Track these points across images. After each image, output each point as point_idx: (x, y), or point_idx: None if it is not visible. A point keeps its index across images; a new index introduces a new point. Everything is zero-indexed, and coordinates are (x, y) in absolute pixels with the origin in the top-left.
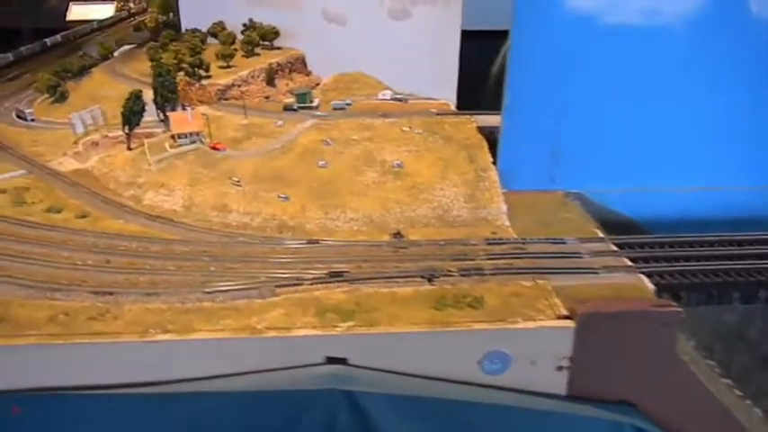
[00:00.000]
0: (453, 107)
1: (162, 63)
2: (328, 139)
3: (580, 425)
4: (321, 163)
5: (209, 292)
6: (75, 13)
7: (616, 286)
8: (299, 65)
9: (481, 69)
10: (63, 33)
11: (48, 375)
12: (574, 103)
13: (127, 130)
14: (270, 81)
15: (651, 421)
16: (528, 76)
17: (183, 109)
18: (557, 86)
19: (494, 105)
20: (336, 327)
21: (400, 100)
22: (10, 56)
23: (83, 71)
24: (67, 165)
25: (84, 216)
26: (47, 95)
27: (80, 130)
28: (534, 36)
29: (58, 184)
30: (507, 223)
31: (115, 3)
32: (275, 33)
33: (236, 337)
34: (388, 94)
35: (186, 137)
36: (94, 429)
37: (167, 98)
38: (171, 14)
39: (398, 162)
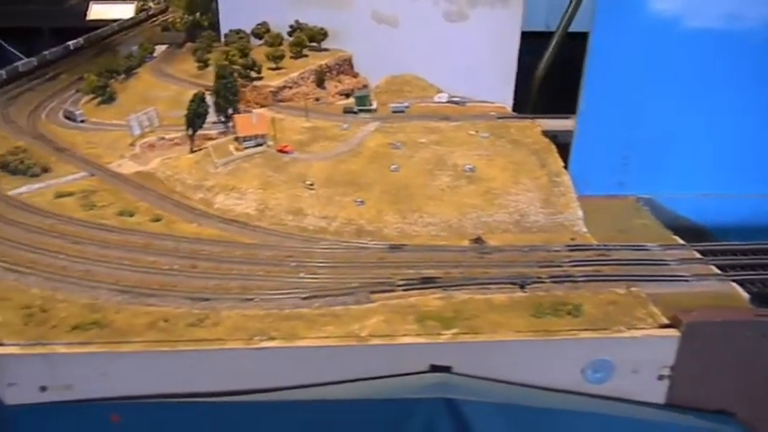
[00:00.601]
0: (510, 110)
1: (224, 65)
2: (397, 143)
3: None
4: (393, 167)
5: (305, 298)
6: (96, 12)
7: (711, 295)
8: (346, 66)
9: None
10: (92, 34)
11: (150, 383)
12: (647, 107)
13: (190, 133)
14: (320, 83)
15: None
16: (605, 81)
17: (244, 112)
18: (632, 91)
19: (538, 108)
20: (440, 334)
21: (457, 103)
22: (47, 54)
23: (129, 72)
24: (127, 167)
25: (157, 219)
26: (92, 96)
27: (137, 131)
28: (614, 42)
29: (124, 187)
30: (584, 229)
31: (136, 2)
32: (323, 35)
33: (342, 345)
34: (444, 96)
35: (252, 139)
36: None
37: (229, 101)
38: (197, 14)
39: (470, 166)
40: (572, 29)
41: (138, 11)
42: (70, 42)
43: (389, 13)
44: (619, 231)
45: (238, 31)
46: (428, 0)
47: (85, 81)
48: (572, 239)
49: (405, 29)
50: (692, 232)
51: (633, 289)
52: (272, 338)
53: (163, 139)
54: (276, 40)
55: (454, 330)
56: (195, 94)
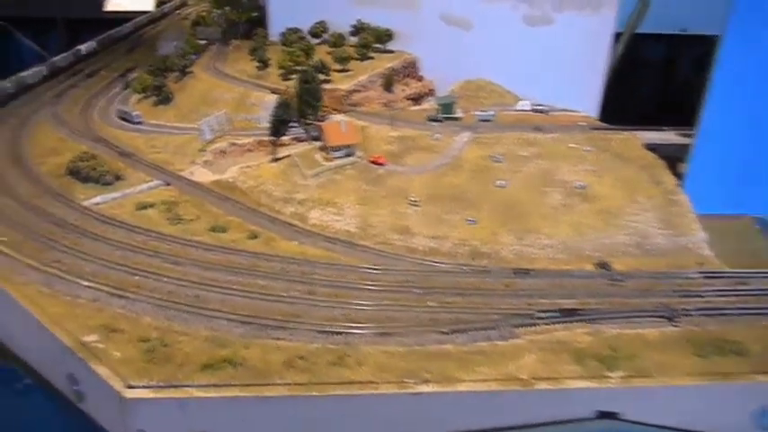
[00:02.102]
0: (596, 120)
1: (308, 69)
2: (497, 156)
3: None
4: (499, 182)
5: (446, 333)
6: (113, 3)
7: None
8: (411, 69)
9: None
10: (119, 28)
11: (294, 429)
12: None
13: (273, 140)
14: (388, 86)
15: None
16: (731, 96)
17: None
18: (758, 107)
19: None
20: (607, 377)
21: (541, 111)
22: (93, 44)
23: (185, 70)
24: (201, 175)
25: (254, 237)
26: (144, 95)
27: (208, 136)
28: (745, 56)
29: (207, 198)
30: (710, 252)
31: None
32: (389, 36)
33: (505, 390)
34: (527, 104)
35: (341, 149)
36: None
37: (312, 106)
38: (226, 8)
39: (581, 183)
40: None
41: (159, 3)
42: (101, 37)
43: (461, 15)
44: (746, 255)
45: (295, 30)
46: (506, 3)
47: (137, 79)
48: (700, 264)
49: (478, 32)
50: None
51: None
52: (427, 381)
53: (234, 144)
54: (339, 41)
55: (620, 373)
56: (279, 100)
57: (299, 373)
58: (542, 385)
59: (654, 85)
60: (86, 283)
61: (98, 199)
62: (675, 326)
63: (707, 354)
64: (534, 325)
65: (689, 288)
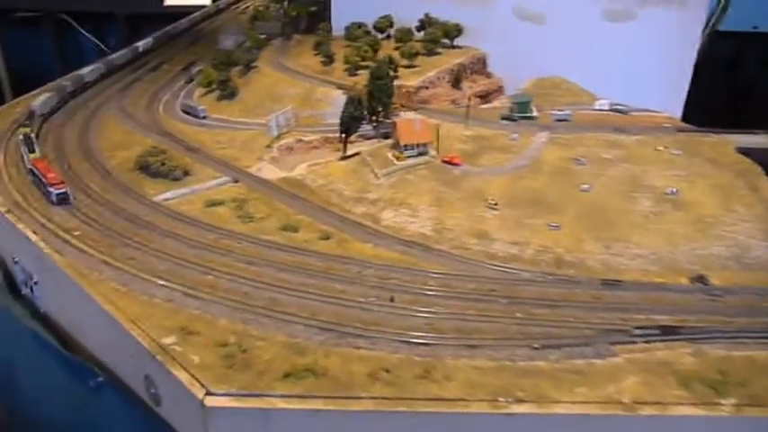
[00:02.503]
0: (679, 122)
1: (381, 64)
2: (580, 158)
3: None
4: (584, 187)
5: (537, 348)
6: None
7: None
8: (480, 66)
9: None
10: (178, 23)
11: None
12: None
13: (344, 138)
14: (456, 83)
15: None
16: None
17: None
18: None
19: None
20: (719, 405)
21: (621, 111)
22: (150, 41)
23: (249, 65)
24: (269, 172)
25: (327, 237)
26: (208, 90)
27: (275, 132)
28: None
29: (276, 196)
30: None
31: None
32: (458, 31)
33: (606, 414)
34: (605, 103)
35: (413, 148)
36: None
37: (384, 103)
38: (285, 3)
39: (673, 189)
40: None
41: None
42: (157, 33)
43: (536, 9)
44: None
45: (360, 25)
46: None
47: (202, 74)
48: None
49: (552, 27)
50: None
51: None
52: (521, 401)
53: (300, 141)
54: (406, 36)
55: (732, 400)
56: (351, 97)
57: (384, 386)
58: (647, 411)
59: (723, 84)
60: (162, 282)
61: (168, 194)
62: None
63: None
64: (632, 343)
65: None
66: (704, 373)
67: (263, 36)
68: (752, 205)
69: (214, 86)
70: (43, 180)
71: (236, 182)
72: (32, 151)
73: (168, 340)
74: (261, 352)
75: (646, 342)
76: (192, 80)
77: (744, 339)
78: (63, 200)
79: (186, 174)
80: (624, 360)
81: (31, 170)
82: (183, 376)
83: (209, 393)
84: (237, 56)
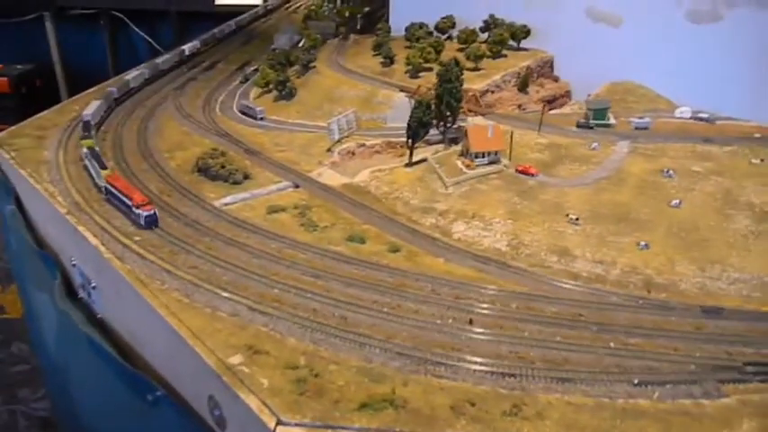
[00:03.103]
0: None
1: (450, 66)
2: (667, 170)
3: None
4: (674, 202)
5: (637, 384)
6: None
7: None
8: (547, 69)
9: None
10: (232, 21)
11: None
12: None
13: (411, 144)
14: (523, 87)
15: None
16: None
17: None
18: None
19: None
20: None
21: (705, 120)
22: (197, 43)
23: (307, 65)
24: (330, 177)
25: (396, 250)
26: (265, 89)
27: (336, 136)
28: None
29: (339, 203)
30: None
31: None
32: (526, 33)
33: None
34: (687, 111)
35: (485, 156)
36: None
37: (452, 108)
38: (338, 2)
39: None
40: None
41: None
42: (204, 36)
43: (610, 10)
44: None
45: (421, 25)
46: None
47: (260, 73)
48: None
49: (627, 29)
50: None
51: None
52: None
53: (363, 145)
54: (470, 37)
55: None
56: (420, 101)
57: (470, 422)
58: None
59: None
60: (226, 294)
61: (228, 199)
62: None
63: None
64: (744, 381)
65: None
66: None
67: (318, 35)
68: None
69: (271, 87)
70: (126, 201)
71: (297, 187)
72: (104, 167)
73: (235, 360)
74: (334, 377)
75: (760, 381)
76: (247, 80)
77: None
78: (152, 222)
79: (246, 177)
80: (736, 401)
81: (106, 189)
82: (252, 401)
83: (280, 422)
84: (295, 55)
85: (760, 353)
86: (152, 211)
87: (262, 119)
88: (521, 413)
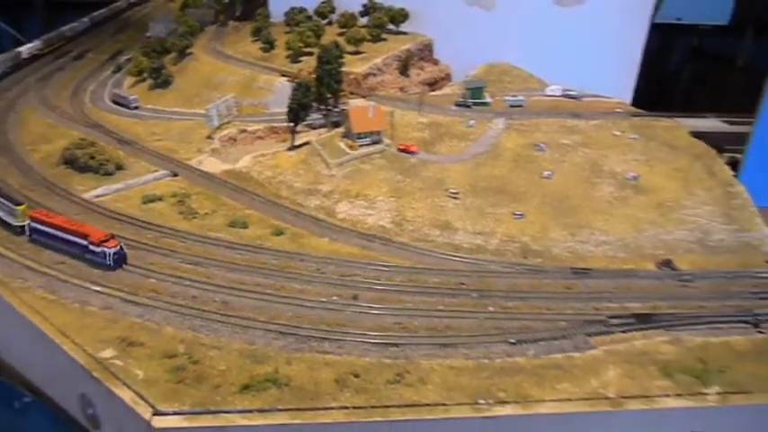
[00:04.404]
0: (630, 106)
1: (330, 48)
2: (540, 144)
3: None
4: (546, 173)
5: (514, 343)
6: None
7: None
8: (426, 52)
9: None
10: (103, 10)
11: None
12: None
13: (293, 127)
14: (404, 70)
15: None
16: None
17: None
18: None
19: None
20: (704, 395)
21: (573, 97)
22: (67, 29)
23: (183, 52)
24: (210, 164)
25: (279, 233)
26: (139, 79)
27: (215, 123)
28: None
29: (221, 190)
30: None
31: None
32: (405, 16)
33: (593, 411)
34: (557, 89)
35: (367, 136)
36: None
37: (333, 89)
38: None
39: (633, 174)
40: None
41: None
42: (48, 35)
43: None
44: None
45: (301, 10)
46: None
47: (132, 61)
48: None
49: (501, 12)
50: None
51: None
52: (503, 402)
53: (244, 131)
54: (350, 21)
55: (716, 389)
56: (299, 83)
57: (354, 393)
58: (634, 405)
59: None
60: (97, 288)
61: (99, 191)
62: (762, 332)
63: None
64: (609, 333)
65: (765, 288)
66: (684, 361)
67: (197, 23)
68: (711, 189)
69: (145, 75)
70: (76, 240)
71: (176, 175)
72: (18, 203)
73: (107, 354)
74: (215, 362)
75: (623, 332)
76: (119, 69)
77: (718, 325)
78: (122, 259)
79: (119, 168)
80: (603, 352)
81: (32, 228)
82: (125, 394)
83: (157, 413)
84: (171, 42)
85: (623, 306)
86: (118, 247)
87: (136, 108)
88: (404, 380)
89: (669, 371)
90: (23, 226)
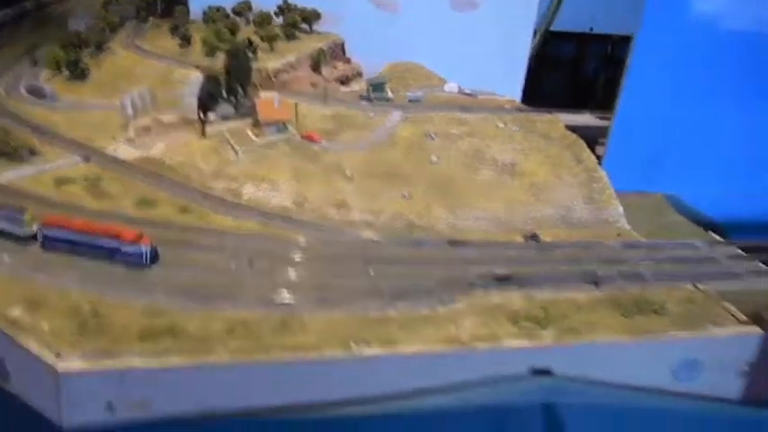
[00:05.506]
0: (520, 104)
1: (238, 43)
2: (431, 134)
3: (750, 428)
4: (434, 159)
5: (387, 300)
6: None
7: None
8: (339, 51)
9: None
10: (19, 5)
11: (239, 396)
12: (681, 108)
13: (202, 116)
14: (316, 67)
15: None
16: (645, 82)
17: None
18: (669, 93)
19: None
20: (542, 337)
21: (467, 94)
22: None
23: (100, 46)
24: (124, 152)
25: (185, 211)
26: (56, 71)
27: (130, 113)
28: (657, 45)
29: (133, 174)
30: (628, 226)
31: None
32: (317, 16)
33: (448, 351)
34: (454, 87)
35: (273, 125)
36: None
37: (242, 83)
38: None
39: (510, 160)
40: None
41: None
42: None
43: None
44: (659, 228)
45: (218, 8)
46: None
47: (48, 54)
48: (618, 235)
49: (406, 15)
50: (711, 229)
51: (700, 286)
52: (370, 344)
53: (158, 122)
54: (265, 19)
55: (553, 331)
56: (208, 75)
57: (242, 340)
58: (482, 345)
59: (564, 81)
60: (7, 259)
61: (11, 174)
62: (601, 290)
63: (631, 314)
64: (471, 291)
65: (610, 256)
66: (531, 312)
67: (117, 19)
68: (577, 174)
69: (62, 68)
70: (104, 243)
71: (88, 160)
72: (21, 209)
73: (15, 312)
74: (116, 318)
75: (483, 289)
76: (36, 63)
77: (565, 284)
78: (155, 255)
79: (33, 153)
80: (464, 306)
81: (46, 236)
82: (32, 344)
83: (60, 358)
84: (88, 36)
85: (488, 270)
86: (148, 244)
87: (53, 99)
88: (287, 329)
89: (516, 319)
90: (33, 234)
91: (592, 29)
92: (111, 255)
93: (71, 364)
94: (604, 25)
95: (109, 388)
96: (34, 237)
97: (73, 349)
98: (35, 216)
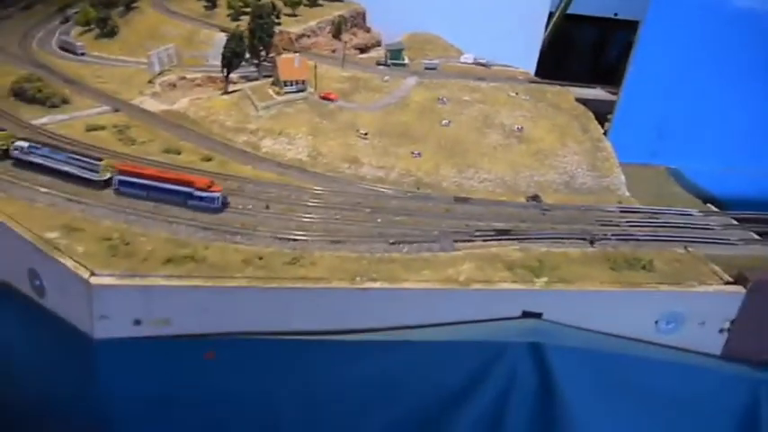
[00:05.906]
0: (533, 76)
1: (262, 4)
2: (443, 98)
3: (730, 383)
4: (444, 122)
5: (392, 243)
6: None
7: (757, 257)
8: (360, 20)
9: None
10: None
11: (252, 319)
12: (685, 85)
13: (226, 73)
14: (337, 34)
15: None
16: (651, 59)
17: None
18: (674, 69)
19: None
20: (534, 281)
21: (483, 65)
22: None
23: (129, 5)
24: (150, 104)
25: (208, 159)
26: (87, 28)
27: (157, 69)
28: (664, 24)
29: (158, 124)
30: (628, 193)
31: None
32: None
33: (443, 288)
34: (469, 57)
35: (293, 84)
36: (289, 377)
37: (264, 42)
38: None
39: (518, 126)
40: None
41: None
42: None
43: None
44: (657, 197)
45: None
46: None
47: (80, 11)
48: (619, 202)
49: None
50: (710, 203)
51: (690, 249)
52: (374, 279)
53: (184, 78)
54: None
55: (545, 279)
56: (233, 33)
57: (257, 269)
58: (476, 286)
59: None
60: (44, 190)
61: (45, 119)
62: (595, 248)
63: (620, 268)
64: (471, 241)
65: (608, 219)
66: (526, 261)
67: None
68: (582, 142)
69: (92, 25)
70: (178, 188)
71: (117, 110)
72: (98, 158)
73: (52, 235)
74: (143, 245)
75: (483, 240)
76: (67, 20)
77: (562, 240)
78: (226, 202)
79: (65, 102)
80: (464, 253)
81: (121, 181)
82: (68, 262)
83: (93, 274)
84: None
85: (490, 225)
86: (220, 192)
87: (83, 54)
88: (298, 263)
89: (511, 266)
90: (107, 180)
91: (616, 14)
92: (185, 200)
93: (103, 280)
94: (630, 11)
95: (136, 303)
96: (107, 182)
97: (104, 269)
98: (110, 163)
